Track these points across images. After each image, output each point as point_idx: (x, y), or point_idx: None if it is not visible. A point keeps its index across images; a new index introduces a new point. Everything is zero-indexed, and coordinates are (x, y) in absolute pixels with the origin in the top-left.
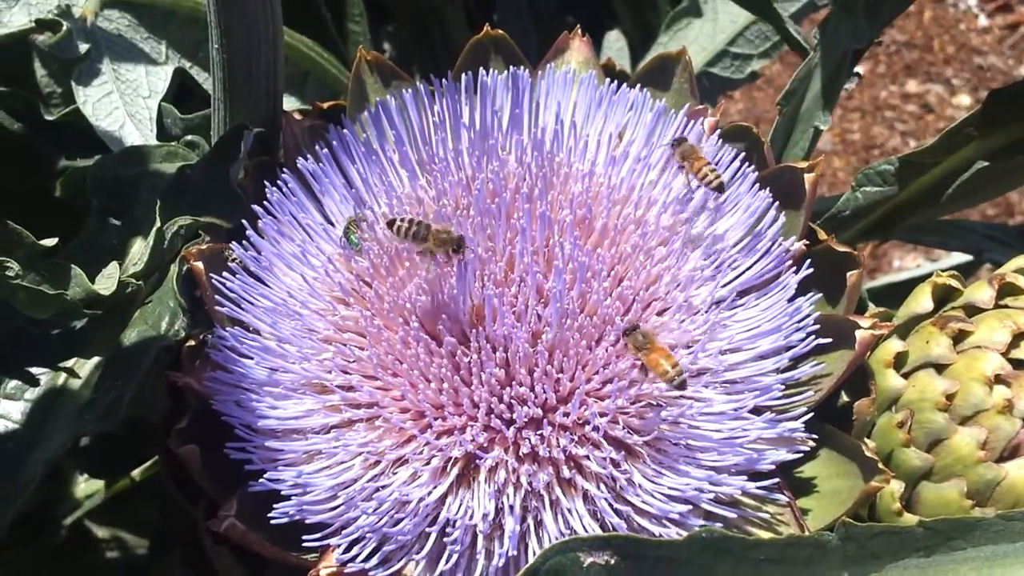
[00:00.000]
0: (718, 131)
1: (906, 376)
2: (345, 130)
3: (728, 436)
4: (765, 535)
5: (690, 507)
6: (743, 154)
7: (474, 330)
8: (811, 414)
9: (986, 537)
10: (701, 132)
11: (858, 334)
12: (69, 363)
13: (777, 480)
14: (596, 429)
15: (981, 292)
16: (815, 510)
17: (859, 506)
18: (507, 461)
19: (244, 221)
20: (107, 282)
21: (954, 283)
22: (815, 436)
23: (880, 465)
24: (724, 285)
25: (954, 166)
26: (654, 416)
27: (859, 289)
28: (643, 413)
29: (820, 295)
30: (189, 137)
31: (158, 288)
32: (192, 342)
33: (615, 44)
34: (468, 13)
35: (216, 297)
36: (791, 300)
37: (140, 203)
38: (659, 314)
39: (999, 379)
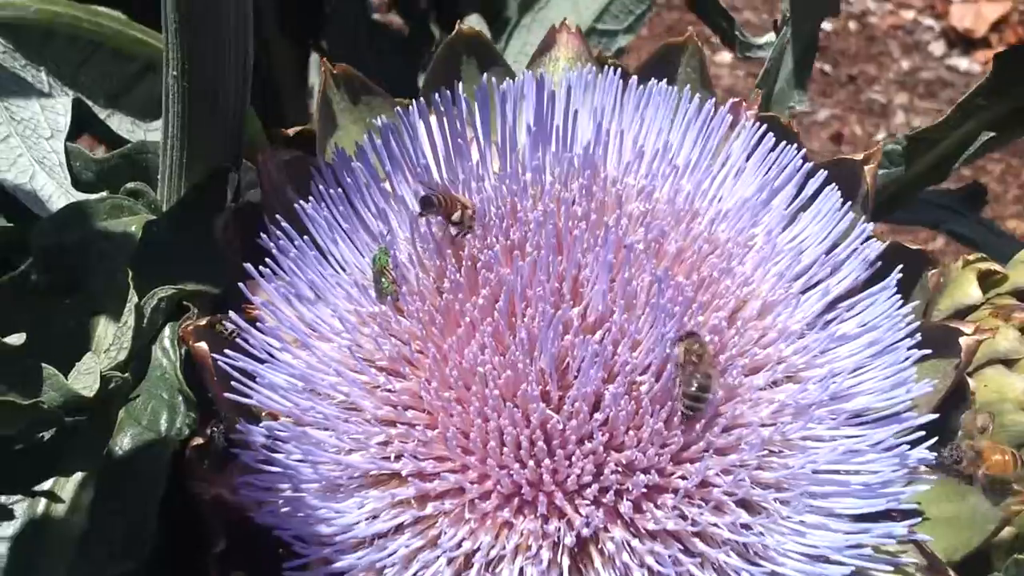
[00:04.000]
0: (765, 126)
1: (969, 375)
2: (356, 163)
3: (866, 478)
4: None
5: (845, 569)
6: (803, 150)
7: (561, 393)
8: (935, 439)
9: None
10: (753, 133)
11: (962, 341)
12: (46, 485)
13: (919, 519)
14: (731, 493)
15: None
16: (935, 539)
17: (997, 532)
18: (624, 539)
19: (242, 285)
20: (87, 379)
21: (994, 266)
22: (933, 462)
23: (1015, 485)
24: (819, 302)
25: (961, 138)
26: (782, 467)
27: (937, 290)
28: (767, 465)
29: (916, 302)
30: (131, 185)
31: (142, 378)
32: (199, 440)
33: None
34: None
35: (233, 384)
36: None
37: (94, 272)
38: (760, 346)
39: None
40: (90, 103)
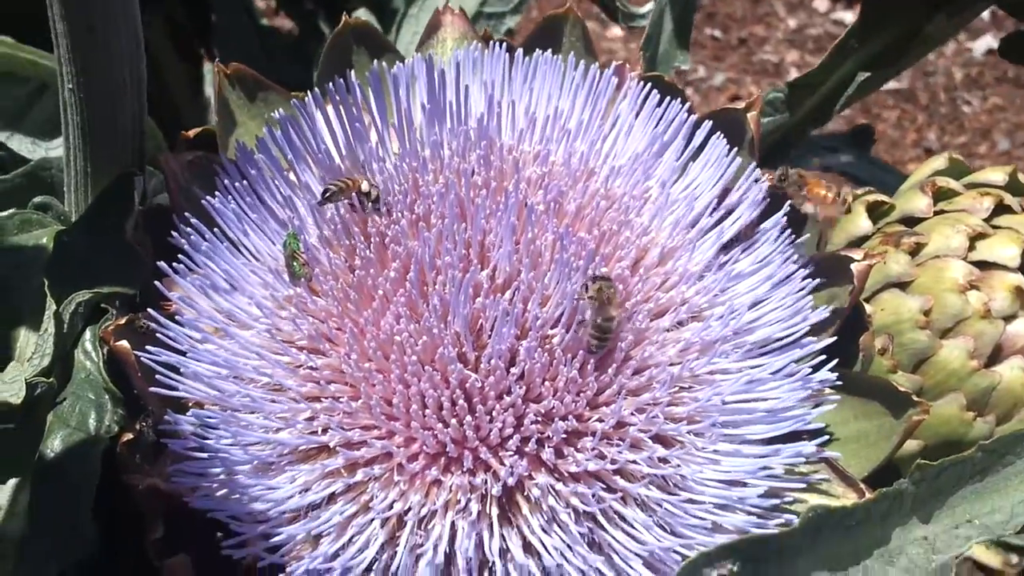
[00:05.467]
0: (650, 84)
1: (867, 301)
2: (259, 155)
3: (772, 403)
4: (810, 498)
5: (759, 489)
6: (688, 103)
7: (477, 353)
8: (835, 360)
9: None
10: (639, 92)
11: (854, 267)
12: None
13: (827, 438)
14: (646, 430)
15: (917, 201)
16: (846, 456)
17: (902, 444)
18: (549, 484)
19: (158, 284)
20: (12, 387)
21: (882, 197)
22: (839, 383)
23: (915, 397)
24: (715, 244)
25: (839, 80)
26: (692, 400)
27: (827, 222)
28: (679, 400)
29: (807, 235)
30: (39, 199)
31: (67, 382)
32: (130, 435)
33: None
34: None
35: (158, 377)
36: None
37: (8, 286)
38: (663, 290)
39: (970, 284)
40: None
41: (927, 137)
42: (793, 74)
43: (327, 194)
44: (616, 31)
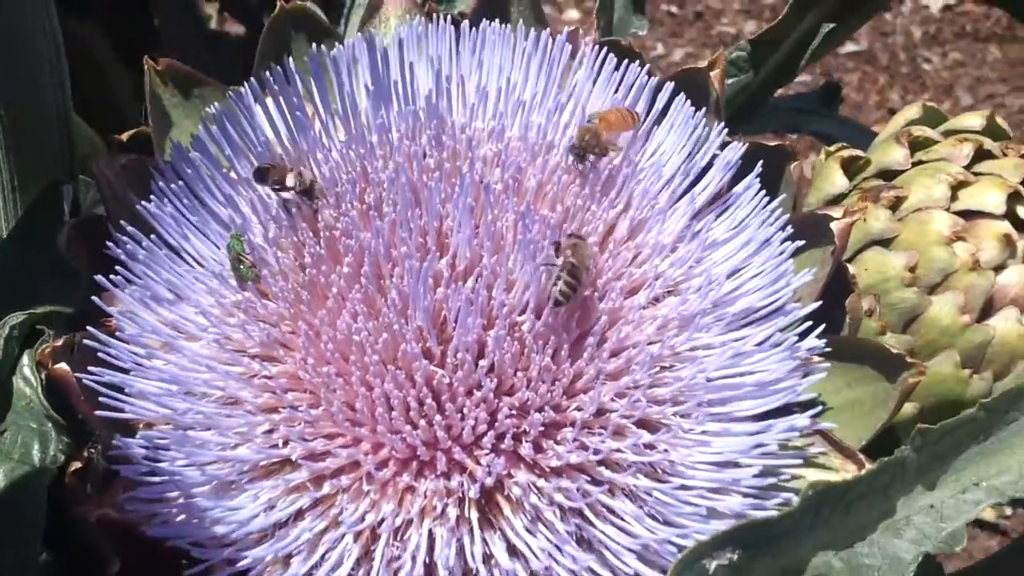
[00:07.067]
0: (606, 49)
1: (849, 262)
2: (194, 153)
3: (759, 376)
4: (807, 473)
5: (754, 470)
6: (647, 66)
7: (443, 347)
8: (822, 326)
9: None
10: (596, 57)
11: (834, 226)
12: None
13: (821, 409)
14: (628, 416)
15: (894, 153)
16: (841, 427)
17: (899, 409)
18: (530, 481)
19: (95, 299)
20: None
21: (856, 152)
22: (827, 350)
23: (908, 359)
24: (686, 212)
25: (803, 34)
26: (675, 380)
27: (800, 183)
28: (661, 381)
29: (783, 195)
30: None
31: (7, 412)
32: (78, 464)
33: None
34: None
35: (102, 400)
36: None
37: None
38: (636, 265)
39: (956, 236)
40: None
41: (890, 98)
42: None
43: (259, 174)
44: (572, 14)
